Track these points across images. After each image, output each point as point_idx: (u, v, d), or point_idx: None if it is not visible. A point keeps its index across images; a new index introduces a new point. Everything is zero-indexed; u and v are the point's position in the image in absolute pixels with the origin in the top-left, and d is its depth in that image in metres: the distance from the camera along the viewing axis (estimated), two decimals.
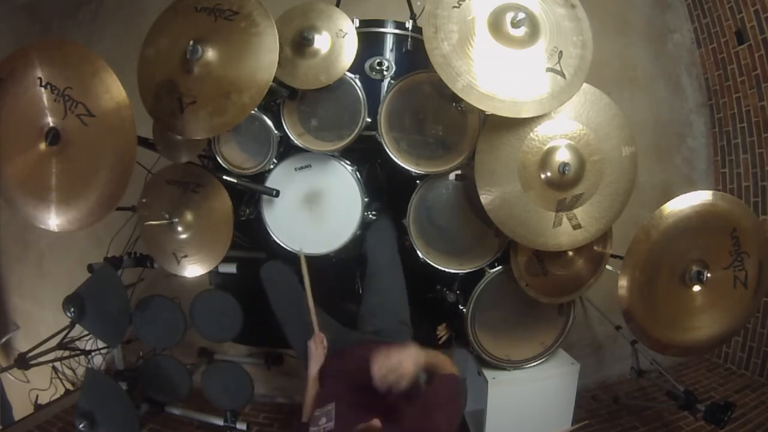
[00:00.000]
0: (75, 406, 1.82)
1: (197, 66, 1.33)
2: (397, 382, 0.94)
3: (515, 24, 1.27)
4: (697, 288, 1.50)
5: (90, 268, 1.85)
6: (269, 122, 1.56)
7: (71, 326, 1.94)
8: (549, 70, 1.28)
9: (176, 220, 1.60)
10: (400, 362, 0.95)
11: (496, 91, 1.25)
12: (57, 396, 2.48)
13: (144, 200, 1.67)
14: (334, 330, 1.51)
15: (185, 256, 1.64)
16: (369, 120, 1.54)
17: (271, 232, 1.64)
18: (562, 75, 1.28)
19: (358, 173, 1.62)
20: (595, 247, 1.61)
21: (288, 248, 1.63)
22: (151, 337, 1.92)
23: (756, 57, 2.41)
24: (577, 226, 1.44)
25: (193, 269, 1.65)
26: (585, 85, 1.36)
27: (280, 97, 1.56)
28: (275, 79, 1.38)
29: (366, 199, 1.60)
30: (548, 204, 1.42)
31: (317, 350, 1.37)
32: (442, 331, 1.83)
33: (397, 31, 1.71)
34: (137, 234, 2.01)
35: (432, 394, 1.01)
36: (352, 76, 1.55)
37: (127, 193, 1.24)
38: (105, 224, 1.47)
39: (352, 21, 1.55)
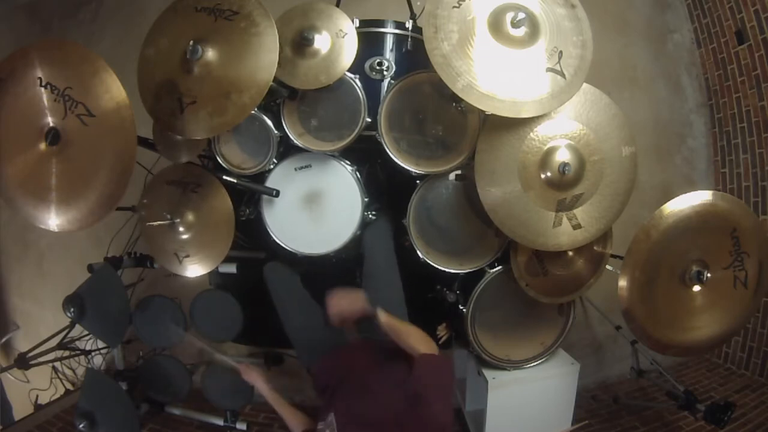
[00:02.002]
0: (75, 406, 1.82)
1: (197, 66, 1.33)
2: (348, 311, 1.20)
3: (515, 24, 1.27)
4: (697, 288, 1.50)
5: (90, 268, 1.86)
6: (269, 122, 1.56)
7: (71, 326, 1.94)
8: (549, 70, 1.28)
9: (178, 220, 1.60)
10: (353, 298, 1.22)
11: (496, 91, 1.25)
12: (57, 396, 2.48)
13: (145, 201, 1.67)
14: (330, 330, 1.51)
15: (187, 256, 1.64)
16: (369, 120, 1.54)
17: (271, 232, 1.64)
18: (562, 75, 1.28)
19: (358, 173, 1.62)
20: (595, 247, 1.61)
21: (288, 248, 1.63)
22: (151, 337, 1.92)
23: (756, 57, 2.41)
24: (577, 226, 1.44)
25: (195, 269, 1.65)
26: (585, 85, 1.36)
27: (280, 97, 1.56)
28: (275, 79, 1.38)
29: (366, 199, 1.60)
30: (548, 204, 1.42)
31: (251, 377, 1.51)
32: (442, 331, 1.83)
33: (397, 31, 1.71)
34: (137, 234, 2.01)
35: (418, 378, 1.04)
36: (352, 76, 1.55)
37: (127, 193, 1.24)
38: (105, 224, 1.46)
39: (352, 21, 1.55)
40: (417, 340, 1.14)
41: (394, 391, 1.06)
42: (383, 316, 1.19)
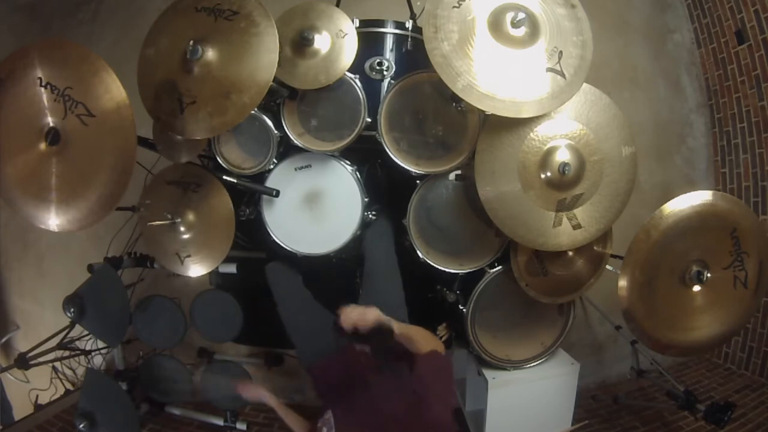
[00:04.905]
0: (75, 406, 1.82)
1: (197, 66, 1.33)
2: (360, 320, 1.06)
3: (515, 24, 1.27)
4: (697, 288, 1.50)
5: (90, 268, 1.86)
6: (269, 122, 1.56)
7: (71, 326, 1.94)
8: (549, 70, 1.28)
9: (179, 220, 1.60)
10: (365, 310, 1.09)
11: (496, 91, 1.25)
12: (57, 396, 2.48)
13: (148, 201, 1.67)
14: (332, 331, 1.51)
15: (188, 256, 1.64)
16: (369, 120, 1.54)
17: (271, 232, 1.64)
18: (562, 75, 1.28)
19: (358, 173, 1.62)
20: (595, 247, 1.61)
21: (288, 248, 1.63)
22: (151, 337, 1.92)
23: (756, 57, 2.41)
24: (577, 226, 1.44)
25: (196, 269, 1.64)
26: (585, 85, 1.36)
27: (280, 97, 1.56)
28: (275, 79, 1.38)
29: (366, 199, 1.60)
30: (548, 204, 1.42)
31: (253, 393, 1.39)
32: (442, 331, 1.83)
33: (397, 31, 1.71)
34: (137, 234, 2.01)
35: (418, 377, 1.03)
36: (352, 76, 1.55)
37: (127, 193, 1.24)
38: (105, 224, 1.47)
39: (352, 21, 1.55)
40: (425, 341, 1.14)
41: (395, 392, 1.06)
42: (397, 327, 1.13)
